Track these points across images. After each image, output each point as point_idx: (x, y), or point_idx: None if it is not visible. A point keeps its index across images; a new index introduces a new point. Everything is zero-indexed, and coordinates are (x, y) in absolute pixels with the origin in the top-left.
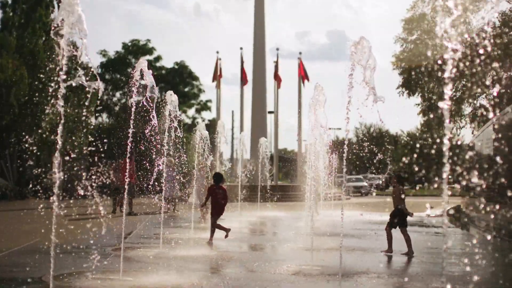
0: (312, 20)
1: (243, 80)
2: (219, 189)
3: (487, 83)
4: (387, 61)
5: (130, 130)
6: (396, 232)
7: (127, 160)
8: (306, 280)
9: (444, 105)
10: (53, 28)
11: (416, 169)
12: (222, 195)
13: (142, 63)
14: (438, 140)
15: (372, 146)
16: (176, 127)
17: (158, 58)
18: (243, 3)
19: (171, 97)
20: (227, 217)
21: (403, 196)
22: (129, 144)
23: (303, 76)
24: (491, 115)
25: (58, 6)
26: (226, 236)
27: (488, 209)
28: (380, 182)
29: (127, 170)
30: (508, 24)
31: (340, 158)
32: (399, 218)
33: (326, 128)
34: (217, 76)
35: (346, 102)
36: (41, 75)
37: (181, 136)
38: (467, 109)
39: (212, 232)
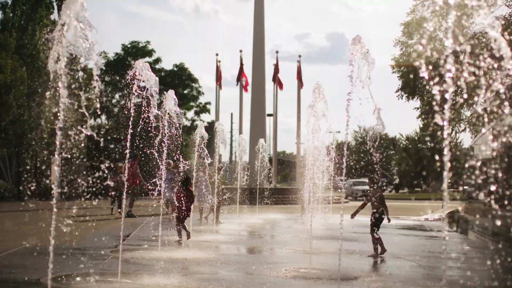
0: (312, 22)
1: (243, 86)
2: (187, 191)
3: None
4: (386, 62)
5: (129, 132)
6: (393, 236)
7: (127, 162)
8: (305, 283)
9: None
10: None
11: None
12: (189, 197)
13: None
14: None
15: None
16: (176, 128)
17: (157, 60)
18: (242, 3)
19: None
20: (227, 219)
21: (374, 199)
22: (128, 146)
23: (300, 80)
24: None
25: (58, 7)
26: (177, 241)
27: (486, 213)
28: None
29: (127, 172)
30: (508, 29)
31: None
32: (375, 221)
33: (325, 131)
34: (218, 79)
35: (346, 105)
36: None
37: (180, 138)
38: (466, 113)
39: (185, 229)
